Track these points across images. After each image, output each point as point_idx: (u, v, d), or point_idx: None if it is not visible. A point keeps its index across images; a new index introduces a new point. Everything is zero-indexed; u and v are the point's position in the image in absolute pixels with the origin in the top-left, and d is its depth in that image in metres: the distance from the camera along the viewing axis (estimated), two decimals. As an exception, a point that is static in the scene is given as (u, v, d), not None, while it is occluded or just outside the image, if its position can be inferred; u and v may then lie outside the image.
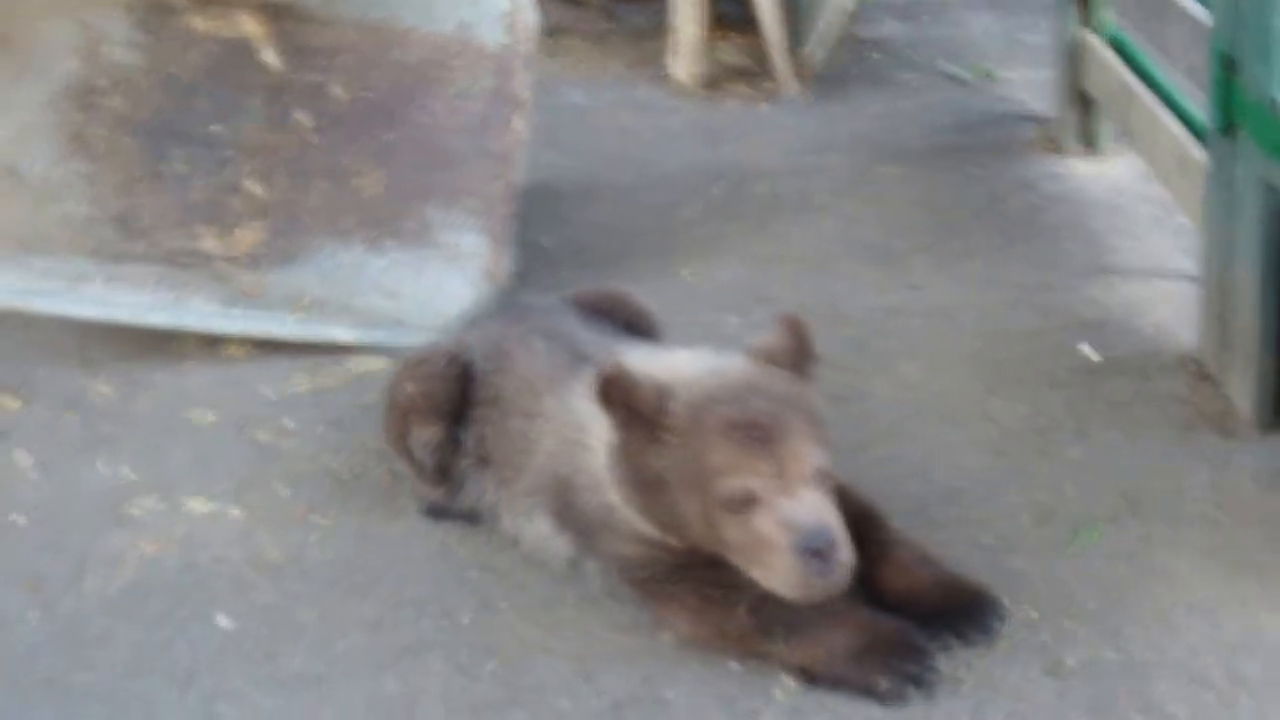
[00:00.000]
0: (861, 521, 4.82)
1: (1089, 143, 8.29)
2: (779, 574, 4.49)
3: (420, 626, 4.98)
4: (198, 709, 4.67)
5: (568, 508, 5.08)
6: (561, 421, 5.17)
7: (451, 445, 5.49)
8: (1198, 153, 6.08)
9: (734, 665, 4.72)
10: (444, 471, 5.53)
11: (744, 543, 4.54)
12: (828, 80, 9.79)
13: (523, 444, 5.28)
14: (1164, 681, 4.50)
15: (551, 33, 10.21)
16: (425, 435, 5.47)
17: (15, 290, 6.89)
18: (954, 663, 4.66)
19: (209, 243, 7.11)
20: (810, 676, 4.63)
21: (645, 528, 4.81)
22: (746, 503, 4.50)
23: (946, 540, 5.15)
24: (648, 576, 4.84)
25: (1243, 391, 5.66)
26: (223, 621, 5.08)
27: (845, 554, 4.47)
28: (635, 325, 5.81)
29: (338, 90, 7.26)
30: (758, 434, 4.52)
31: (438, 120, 7.21)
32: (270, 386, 6.57)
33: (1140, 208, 7.59)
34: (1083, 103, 8.17)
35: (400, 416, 5.54)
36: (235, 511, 5.68)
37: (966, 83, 9.62)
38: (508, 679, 4.71)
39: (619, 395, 4.65)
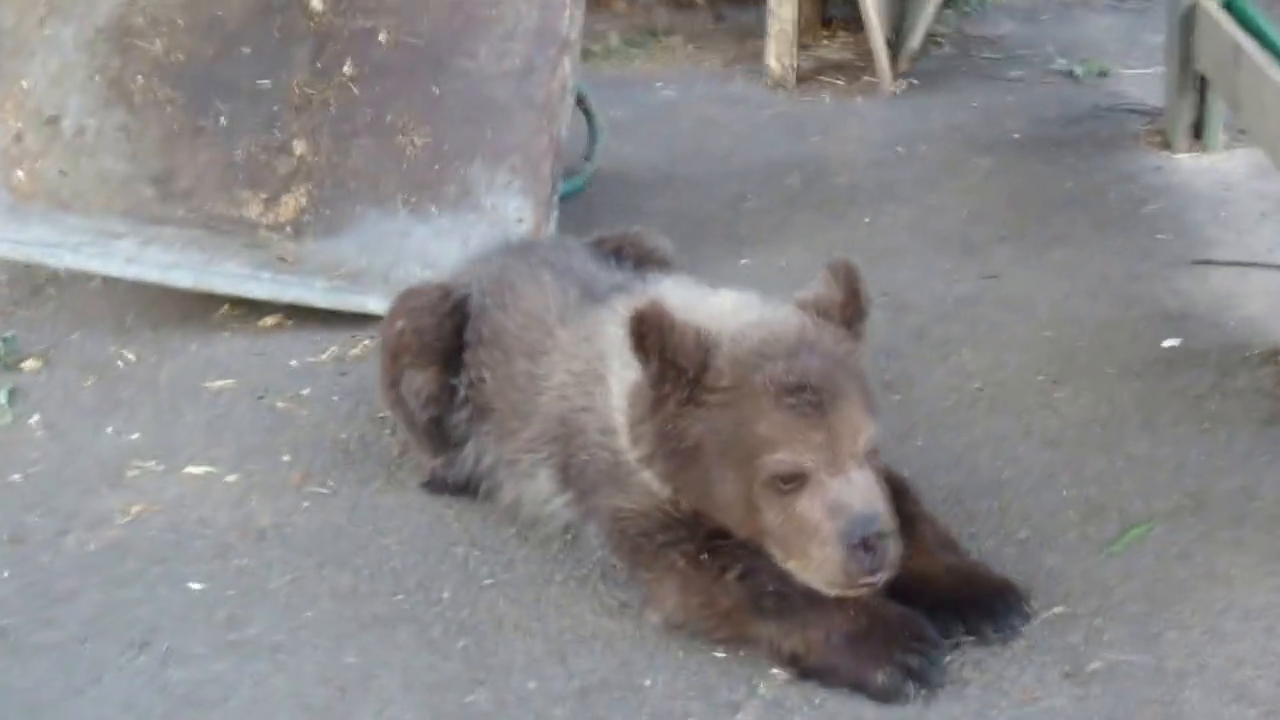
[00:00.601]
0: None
1: (1198, 136, 7.81)
2: (822, 565, 4.03)
3: (395, 599, 4.67)
4: (147, 671, 4.41)
5: (574, 456, 4.63)
6: (574, 354, 4.72)
7: (446, 397, 5.05)
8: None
9: (718, 654, 4.30)
10: (439, 430, 5.14)
11: (785, 527, 4.08)
12: (930, 75, 9.40)
13: (528, 387, 4.83)
14: (1198, 692, 4.02)
15: (656, 34, 10.39)
16: (417, 382, 5.07)
17: (45, 244, 6.64)
18: (962, 660, 4.21)
19: (253, 209, 6.81)
20: (800, 665, 4.16)
21: (653, 483, 4.35)
22: (795, 481, 4.01)
23: (979, 533, 4.73)
24: (642, 540, 4.39)
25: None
26: (193, 584, 4.82)
27: (894, 548, 4.00)
28: (652, 266, 5.25)
29: (384, 36, 6.90)
30: (811, 400, 4.03)
31: (482, 67, 6.86)
32: (296, 357, 6.32)
33: (1248, 203, 7.03)
34: (1193, 87, 7.70)
35: (391, 357, 5.15)
36: (232, 477, 5.44)
37: (1078, 79, 9.17)
38: (477, 657, 4.37)
39: (655, 340, 4.14)
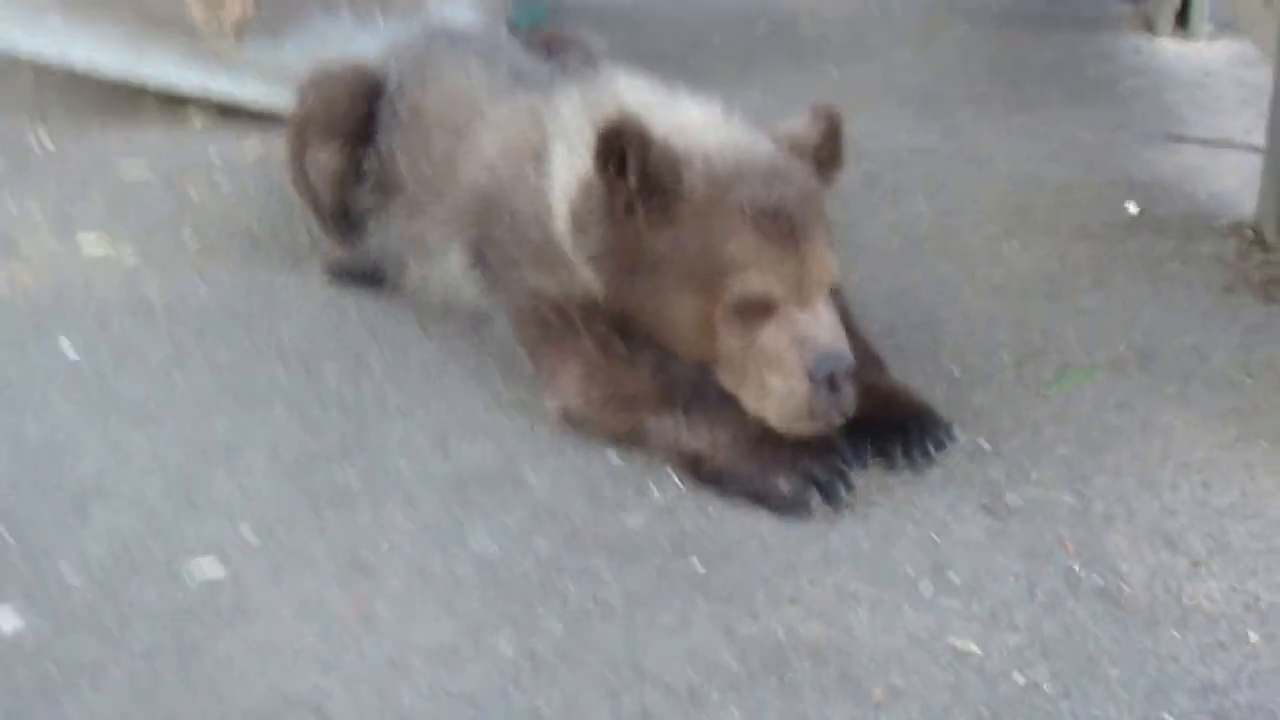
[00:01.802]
0: None
1: (1183, 24, 7.57)
2: (783, 397, 3.74)
3: (276, 376, 4.40)
4: (3, 425, 4.17)
5: (492, 232, 4.32)
6: (508, 132, 4.40)
7: (352, 175, 4.76)
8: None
9: (613, 458, 4.01)
10: (344, 211, 4.85)
11: (744, 354, 3.79)
12: (919, -56, 8.77)
13: (445, 163, 4.53)
14: (1124, 538, 3.73)
15: None
16: (322, 158, 4.78)
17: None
18: (873, 484, 3.91)
19: (196, 11, 6.47)
20: (700, 467, 3.87)
21: (588, 275, 4.03)
22: (760, 308, 3.73)
23: (909, 367, 4.42)
24: (555, 320, 4.10)
25: (1298, 254, 4.69)
26: (70, 352, 4.57)
27: (854, 390, 3.72)
28: (576, 63, 4.88)
29: None
30: (784, 227, 3.77)
31: None
32: (220, 152, 6.05)
33: (1227, 88, 6.74)
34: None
35: (297, 133, 4.84)
36: (131, 256, 5.18)
37: (1068, -40, 8.54)
38: (352, 437, 4.11)
39: (623, 152, 3.83)
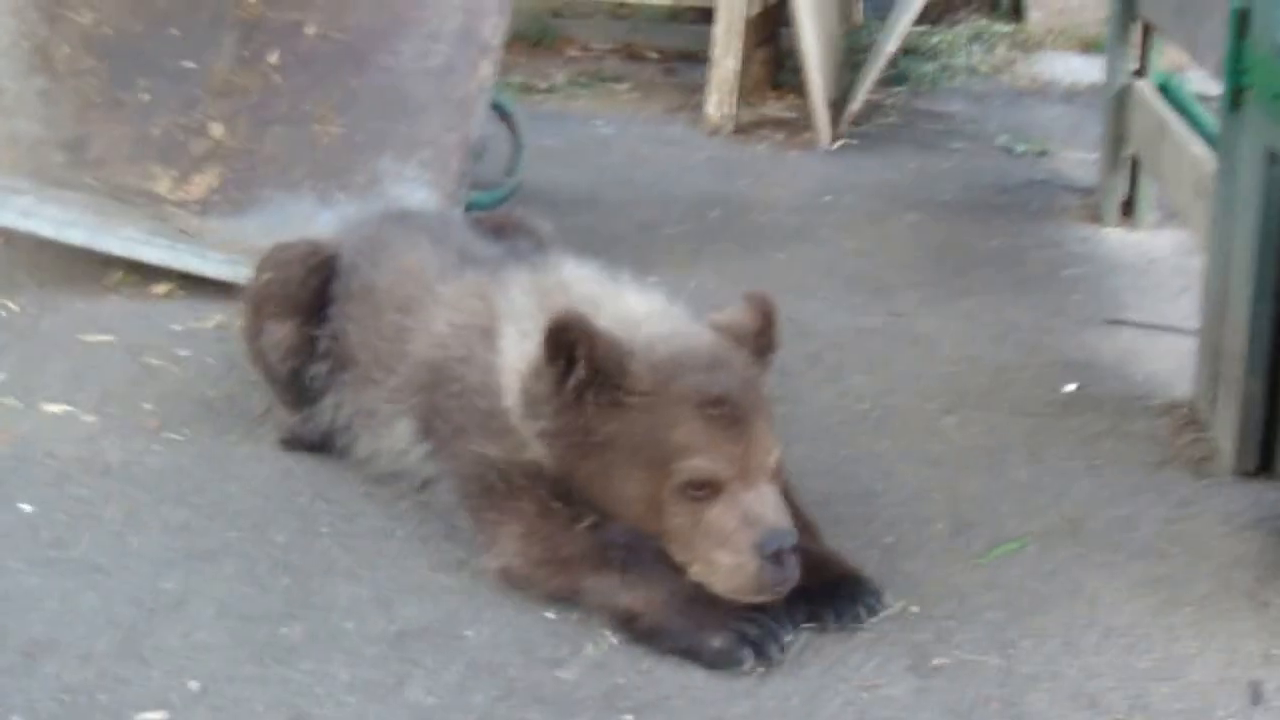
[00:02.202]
0: None
1: (1129, 214, 7.77)
2: (732, 571, 3.93)
3: (226, 536, 4.49)
4: None
5: (440, 404, 4.49)
6: (458, 308, 4.59)
7: (306, 349, 4.91)
8: (1213, 168, 5.39)
9: (548, 614, 4.13)
10: (298, 385, 4.98)
11: (692, 532, 3.97)
12: (871, 138, 9.29)
13: (396, 338, 4.69)
14: (1047, 697, 3.82)
15: (604, 79, 10.59)
16: (278, 334, 4.92)
17: (-61, 191, 6.30)
18: (803, 644, 4.04)
19: (162, 185, 6.69)
20: (634, 625, 3.98)
21: (536, 448, 4.22)
22: (707, 489, 3.92)
23: (842, 534, 4.52)
24: (498, 484, 4.25)
25: (1227, 430, 5.02)
26: (24, 506, 4.65)
27: (797, 562, 3.91)
28: (524, 247, 5.02)
29: (311, 29, 6.79)
30: (729, 413, 3.97)
31: (404, 64, 6.80)
32: (180, 321, 6.18)
33: (1168, 276, 6.93)
34: (1125, 165, 7.71)
35: (254, 309, 5.00)
36: (89, 418, 5.27)
37: (1017, 155, 9.06)
38: (298, 596, 4.19)
39: (572, 346, 4.04)
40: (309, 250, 5.00)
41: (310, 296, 4.92)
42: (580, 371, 4.01)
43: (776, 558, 3.87)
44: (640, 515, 4.05)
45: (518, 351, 4.27)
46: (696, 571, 3.97)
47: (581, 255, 4.69)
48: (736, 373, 4.08)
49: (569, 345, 4.01)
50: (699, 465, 3.94)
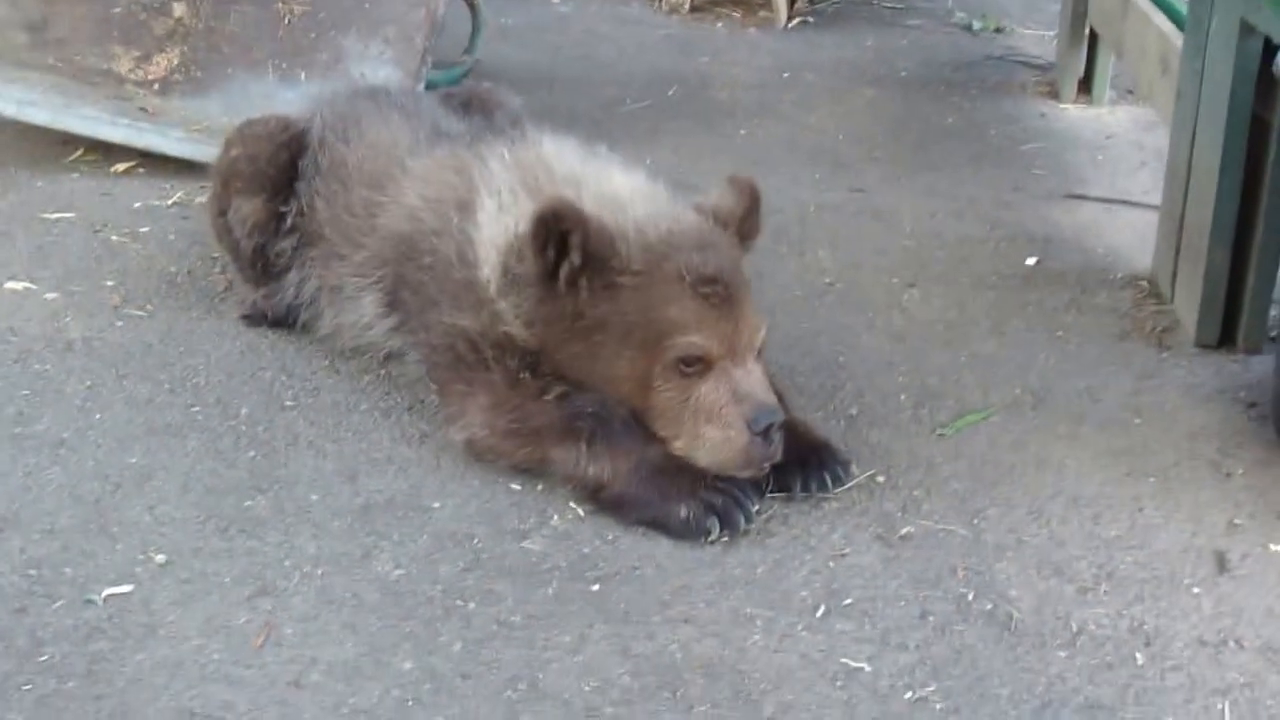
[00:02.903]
0: None
1: (1086, 90, 7.75)
2: (721, 445, 3.96)
3: (190, 411, 4.46)
4: None
5: (408, 275, 4.46)
6: (433, 181, 4.54)
7: (273, 225, 4.86)
8: (1180, 44, 5.38)
9: (514, 486, 4.13)
10: (262, 261, 4.93)
11: (681, 407, 4.00)
12: (828, 17, 9.29)
13: (366, 213, 4.66)
14: (1014, 565, 3.82)
15: None
16: (245, 209, 4.88)
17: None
18: (770, 514, 4.03)
19: (124, 64, 6.62)
20: (601, 494, 3.99)
21: (513, 324, 4.20)
22: (699, 365, 3.94)
23: (808, 406, 4.54)
24: (469, 355, 4.23)
25: (1189, 303, 5.04)
26: (-12, 387, 4.40)
27: (782, 438, 3.93)
28: (500, 121, 4.98)
29: (279, -100, 6.55)
30: (720, 292, 3.98)
31: (369, -61, 6.54)
32: (141, 199, 6.11)
33: (1127, 151, 6.90)
34: (1084, 41, 7.66)
35: (222, 184, 4.95)
36: (51, 295, 5.21)
37: (974, 32, 9.04)
38: (263, 469, 4.18)
39: (564, 234, 4.02)
40: (279, 126, 4.95)
41: (279, 173, 4.88)
42: (574, 258, 4.00)
43: (765, 433, 3.89)
44: (629, 392, 4.06)
45: (497, 225, 4.25)
46: (682, 446, 4.00)
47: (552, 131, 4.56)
48: (724, 253, 4.10)
49: (561, 234, 3.99)
50: (692, 341, 3.96)
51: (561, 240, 3.97)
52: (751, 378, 3.96)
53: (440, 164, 4.53)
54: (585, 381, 4.07)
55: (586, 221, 3.95)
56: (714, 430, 3.93)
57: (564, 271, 4.00)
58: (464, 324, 4.18)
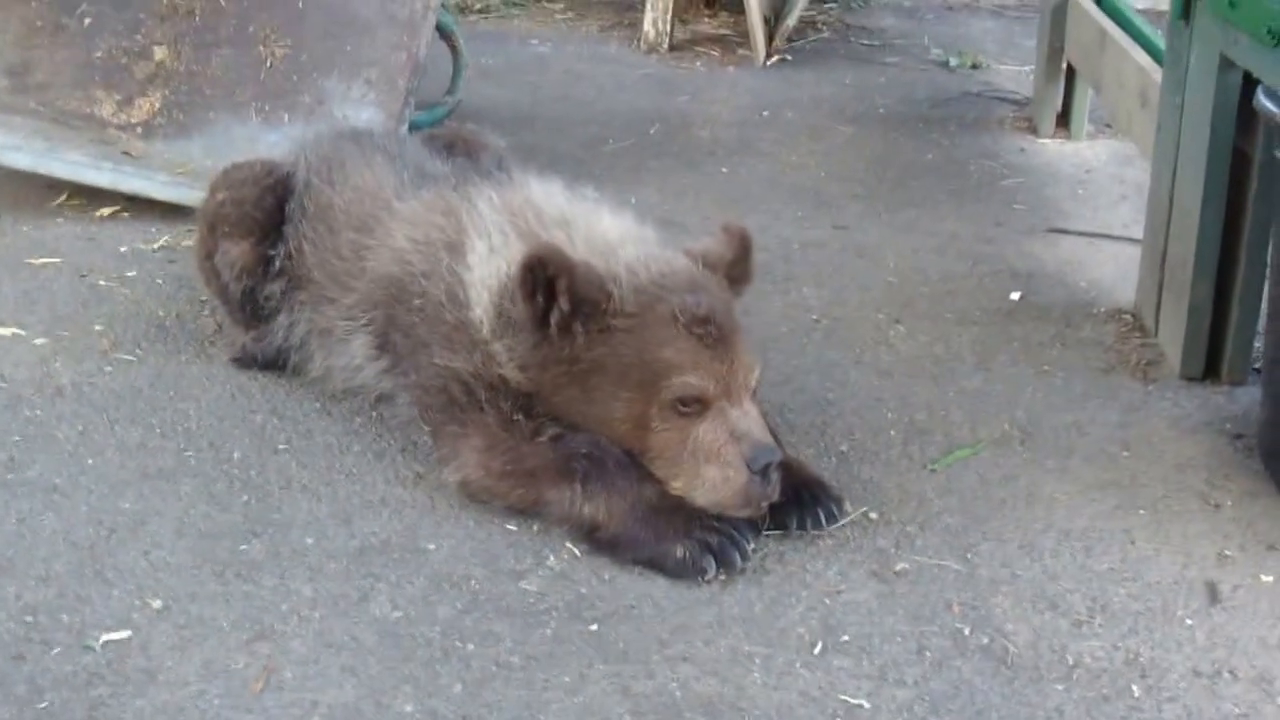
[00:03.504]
0: None
1: (1064, 124, 7.83)
2: (719, 485, 3.97)
3: (183, 456, 4.47)
4: None
5: (398, 319, 4.46)
6: (421, 224, 4.55)
7: (261, 269, 4.86)
8: (1159, 79, 5.44)
9: (510, 526, 4.13)
10: (251, 304, 4.94)
11: (680, 447, 4.01)
12: (806, 54, 9.34)
13: (354, 256, 4.67)
14: (1009, 600, 3.84)
15: None
16: (233, 253, 4.90)
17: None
18: (766, 552, 4.06)
19: (106, 108, 6.62)
20: (597, 535, 4.00)
21: (507, 366, 4.21)
22: (696, 405, 3.95)
23: (799, 445, 4.57)
24: (461, 396, 4.23)
25: (1173, 336, 5.09)
26: (-22, 433, 4.40)
27: (780, 477, 3.96)
28: (485, 163, 5.01)
29: (261, -54, 6.57)
30: (714, 333, 3.99)
31: (352, -18, 6.58)
32: (127, 243, 6.12)
33: (1106, 185, 6.95)
34: (1061, 77, 7.76)
35: (208, 228, 4.96)
36: (40, 340, 5.21)
37: (951, 69, 9.10)
38: (258, 513, 4.18)
39: (551, 281, 4.04)
40: (263, 170, 4.97)
41: (265, 216, 4.89)
42: (563, 305, 4.01)
43: (764, 472, 3.92)
44: (626, 434, 4.07)
45: (489, 266, 4.27)
46: (681, 486, 4.01)
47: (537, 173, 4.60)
48: (715, 295, 4.11)
49: (548, 280, 4.00)
50: (688, 382, 3.98)
51: (550, 286, 3.97)
52: (748, 417, 3.97)
53: (428, 206, 4.54)
54: (581, 424, 4.08)
55: (573, 267, 3.97)
56: (713, 470, 3.94)
57: (554, 318, 4.00)
58: (456, 365, 4.17)
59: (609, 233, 4.23)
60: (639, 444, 4.01)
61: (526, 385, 4.11)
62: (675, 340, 3.97)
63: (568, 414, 4.10)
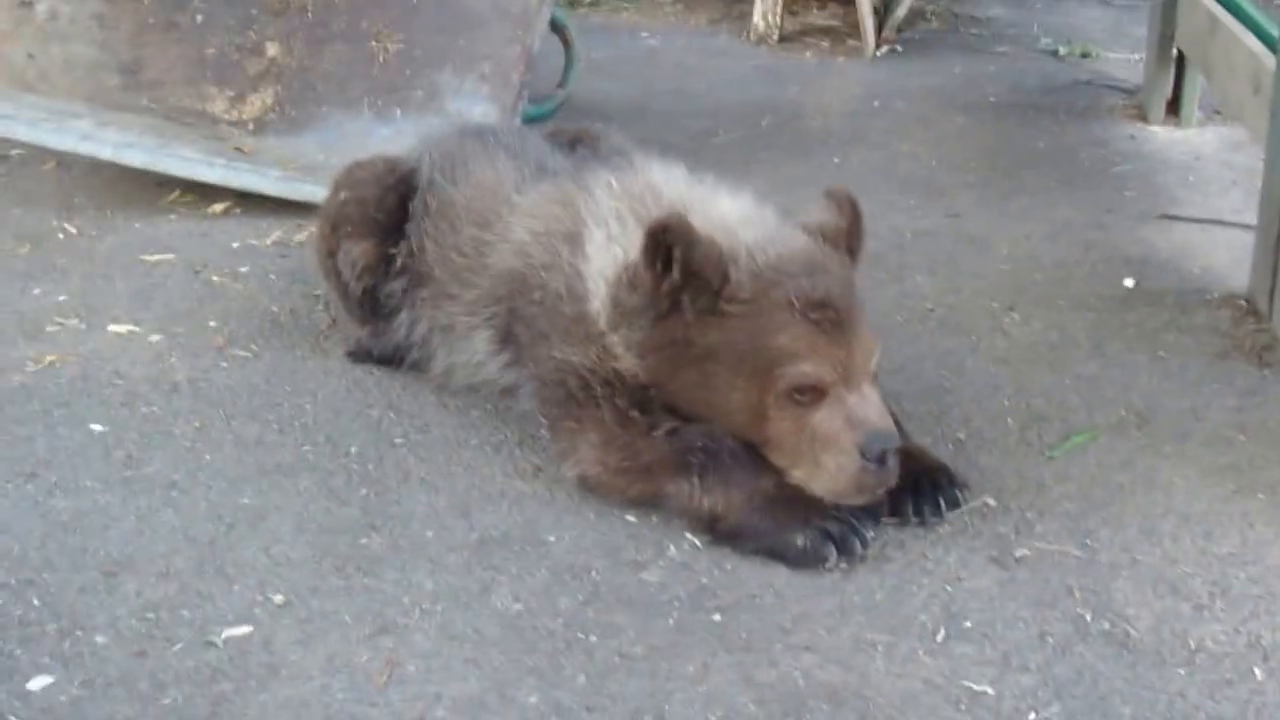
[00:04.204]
0: None
1: (1174, 111, 7.81)
2: (835, 473, 3.92)
3: (301, 450, 4.50)
4: (31, 498, 4.22)
5: (520, 311, 4.48)
6: (540, 215, 4.55)
7: (383, 268, 4.89)
8: (1272, 64, 5.40)
9: (629, 517, 4.14)
10: (371, 301, 4.97)
11: (796, 436, 3.96)
12: (915, 45, 9.33)
13: (474, 253, 4.67)
14: (1130, 584, 3.82)
15: None
16: (354, 253, 4.91)
17: (1, 116, 6.42)
18: (886, 540, 4.04)
19: (218, 105, 6.72)
20: (717, 527, 3.99)
21: (625, 358, 4.19)
22: (813, 393, 3.92)
23: (916, 432, 4.54)
24: (578, 391, 4.23)
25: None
26: (95, 426, 4.62)
27: (898, 463, 3.90)
28: (604, 151, 5.07)
29: (372, -60, 6.62)
30: (832, 317, 3.94)
31: (463, -25, 6.61)
32: (240, 239, 6.19)
33: (1217, 171, 6.93)
34: (1171, 63, 7.72)
35: (330, 227, 4.98)
36: (155, 337, 5.27)
37: (1061, 58, 9.09)
38: (376, 506, 4.20)
39: (672, 249, 3.99)
40: (385, 168, 4.99)
41: (387, 217, 4.91)
42: (675, 275, 3.98)
43: (880, 459, 3.87)
44: (743, 423, 4.04)
45: (606, 257, 4.25)
46: (800, 476, 3.98)
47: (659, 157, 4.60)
48: (834, 275, 4.05)
49: (666, 248, 3.96)
50: (804, 371, 3.93)
51: (669, 255, 3.92)
52: (866, 403, 3.92)
53: (547, 198, 4.54)
54: (699, 413, 4.06)
55: (695, 238, 3.93)
56: (829, 458, 3.90)
57: (664, 287, 3.96)
58: (575, 359, 4.17)
59: (728, 214, 4.19)
60: (759, 434, 3.98)
61: (644, 376, 4.08)
62: (790, 326, 3.93)
63: (686, 403, 4.09)
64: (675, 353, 4.07)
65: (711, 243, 3.97)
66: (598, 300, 4.18)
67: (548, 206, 4.49)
